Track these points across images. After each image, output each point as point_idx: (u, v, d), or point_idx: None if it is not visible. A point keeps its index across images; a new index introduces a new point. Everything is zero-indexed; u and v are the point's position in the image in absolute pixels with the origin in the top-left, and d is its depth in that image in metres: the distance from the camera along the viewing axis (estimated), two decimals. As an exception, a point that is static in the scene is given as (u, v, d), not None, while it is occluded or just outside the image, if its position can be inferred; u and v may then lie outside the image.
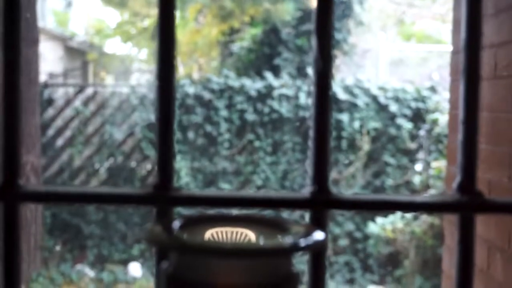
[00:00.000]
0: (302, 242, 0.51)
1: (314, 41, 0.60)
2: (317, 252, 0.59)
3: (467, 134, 0.61)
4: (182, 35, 14.75)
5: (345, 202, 0.60)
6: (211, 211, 0.62)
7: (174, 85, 0.61)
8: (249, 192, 0.60)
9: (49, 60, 12.38)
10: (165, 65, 0.61)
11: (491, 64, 2.22)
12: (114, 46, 16.93)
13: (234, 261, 0.51)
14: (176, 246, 0.51)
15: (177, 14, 14.33)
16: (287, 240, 0.52)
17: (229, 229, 0.57)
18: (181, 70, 15.02)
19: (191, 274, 0.52)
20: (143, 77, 15.84)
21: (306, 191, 0.60)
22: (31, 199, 0.62)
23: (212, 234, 0.56)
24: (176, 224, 0.55)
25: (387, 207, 0.62)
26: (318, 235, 0.52)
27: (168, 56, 0.61)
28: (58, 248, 7.26)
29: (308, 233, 0.53)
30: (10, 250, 0.61)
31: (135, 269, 7.09)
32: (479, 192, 0.61)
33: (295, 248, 0.51)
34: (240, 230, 0.56)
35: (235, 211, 0.61)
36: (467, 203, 0.60)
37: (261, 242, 0.54)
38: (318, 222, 0.59)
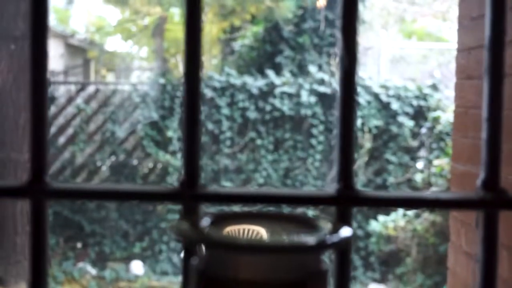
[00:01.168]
0: (331, 239, 0.52)
1: (340, 38, 0.61)
2: (343, 249, 0.59)
3: (491, 131, 0.61)
4: (183, 32, 14.73)
5: (370, 199, 0.60)
6: (236, 208, 0.62)
7: (200, 81, 0.62)
8: (276, 189, 0.60)
9: (49, 57, 12.37)
10: (192, 61, 0.61)
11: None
12: (114, 44, 16.94)
13: (264, 257, 0.51)
14: (209, 242, 0.51)
15: (178, 11, 14.35)
16: (316, 236, 0.52)
17: (256, 226, 0.57)
18: (181, 68, 15.02)
19: (221, 270, 0.52)
20: (143, 75, 15.84)
21: (332, 188, 0.60)
22: (58, 196, 0.62)
23: (240, 230, 0.56)
24: (206, 220, 0.55)
25: (411, 204, 0.63)
26: (346, 232, 0.53)
27: (195, 52, 0.61)
28: (60, 245, 7.26)
29: (335, 230, 0.54)
30: (38, 244, 0.62)
31: (137, 267, 7.09)
32: (503, 189, 0.61)
33: (325, 244, 0.51)
34: (268, 227, 0.57)
35: (261, 209, 0.62)
36: (491, 200, 0.60)
37: (291, 239, 0.54)
38: (344, 219, 0.60)
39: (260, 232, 0.58)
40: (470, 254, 2.39)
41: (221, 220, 0.57)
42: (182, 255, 0.62)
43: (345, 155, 0.61)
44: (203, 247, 0.53)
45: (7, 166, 6.48)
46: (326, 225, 0.55)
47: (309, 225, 0.55)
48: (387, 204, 0.61)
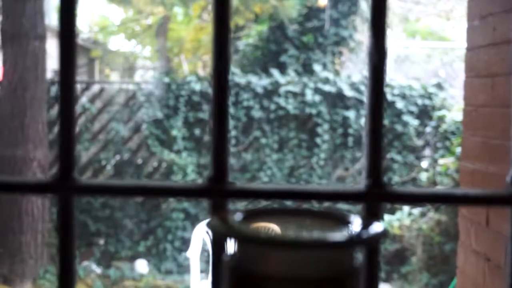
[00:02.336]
0: (365, 234, 0.52)
1: (369, 35, 0.60)
2: (373, 246, 0.59)
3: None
4: (186, 32, 14.75)
5: (400, 196, 0.60)
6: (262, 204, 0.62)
7: (228, 79, 0.62)
8: (305, 185, 0.60)
9: (52, 57, 12.41)
10: (221, 59, 0.61)
11: None
12: (118, 43, 16.94)
13: (299, 254, 0.51)
14: (244, 238, 0.51)
15: (181, 11, 14.35)
16: (348, 232, 0.52)
17: (288, 222, 0.57)
18: (185, 67, 15.02)
19: (255, 267, 0.52)
20: (147, 74, 15.86)
21: (361, 184, 0.60)
22: (86, 192, 0.62)
23: (265, 227, 0.56)
24: (239, 216, 0.55)
25: (440, 200, 0.63)
26: (378, 227, 0.53)
27: (224, 50, 0.61)
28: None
29: (367, 226, 0.54)
30: (65, 240, 0.62)
31: (141, 265, 7.10)
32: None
33: (359, 240, 0.51)
34: (299, 223, 0.57)
35: (290, 205, 0.62)
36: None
37: (324, 235, 0.54)
38: (373, 216, 0.60)
39: (307, 227, 0.58)
40: (480, 253, 2.38)
41: (252, 216, 0.56)
42: (211, 252, 0.62)
43: (374, 151, 0.61)
44: (237, 243, 0.53)
45: (13, 163, 6.49)
46: (357, 221, 0.55)
47: (339, 221, 0.55)
48: (416, 200, 0.61)
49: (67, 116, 0.62)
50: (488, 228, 2.28)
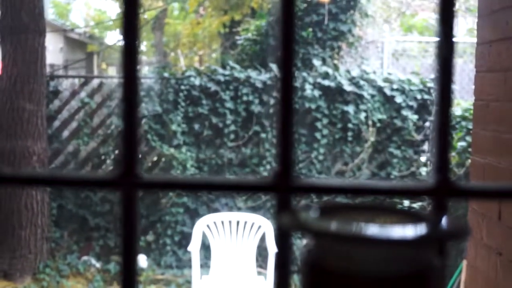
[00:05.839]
0: (447, 231, 0.51)
1: (438, 29, 0.60)
2: (456, 242, 0.59)
3: None
4: (183, 26, 14.73)
5: (467, 191, 0.60)
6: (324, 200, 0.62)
7: (295, 74, 0.61)
8: (371, 181, 0.60)
9: (49, 51, 12.37)
10: (287, 54, 0.60)
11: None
12: (114, 38, 16.90)
13: (378, 250, 0.51)
14: (324, 234, 0.51)
15: (177, 5, 14.31)
16: (429, 229, 0.52)
17: (362, 218, 0.57)
18: (182, 62, 14.99)
19: (332, 263, 0.52)
20: (143, 69, 15.82)
21: (429, 180, 0.60)
22: (148, 187, 0.62)
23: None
24: (315, 212, 0.54)
25: (504, 196, 0.62)
26: (461, 224, 0.52)
27: (289, 47, 0.60)
28: (64, 239, 7.26)
29: (442, 222, 0.53)
30: (129, 234, 0.62)
31: (141, 260, 7.09)
32: None
33: (440, 237, 0.51)
34: (373, 218, 0.56)
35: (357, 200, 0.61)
36: None
37: (402, 231, 0.53)
38: (441, 211, 0.59)
39: (383, 223, 0.57)
40: (492, 247, 2.39)
41: (327, 211, 0.56)
42: (276, 248, 0.61)
43: (442, 146, 0.60)
44: (314, 240, 0.52)
45: (12, 157, 6.47)
46: (433, 219, 0.54)
47: (412, 218, 0.55)
48: (484, 196, 0.61)
49: (130, 114, 0.62)
50: (500, 222, 2.28)
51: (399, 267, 0.51)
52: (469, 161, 2.74)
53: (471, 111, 3.44)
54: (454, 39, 0.60)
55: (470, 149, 2.89)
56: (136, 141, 0.61)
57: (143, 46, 16.22)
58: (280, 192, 0.61)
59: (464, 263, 2.99)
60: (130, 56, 0.62)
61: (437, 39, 0.60)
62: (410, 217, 0.55)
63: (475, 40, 2.82)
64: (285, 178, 0.60)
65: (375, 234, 0.52)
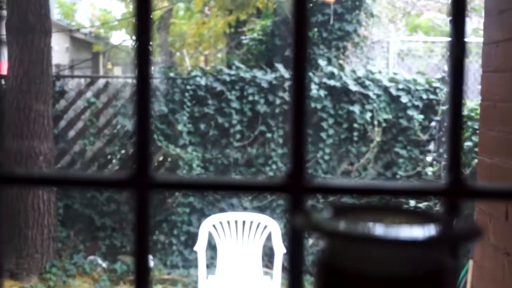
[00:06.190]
0: (461, 232, 0.51)
1: (450, 29, 0.60)
2: (469, 243, 0.59)
3: None
4: (188, 26, 14.74)
5: (480, 192, 0.60)
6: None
7: (306, 75, 0.61)
8: (383, 181, 0.60)
9: (55, 51, 12.40)
10: (299, 61, 0.61)
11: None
12: (119, 38, 16.92)
13: (392, 251, 0.51)
14: (339, 235, 0.51)
15: (182, 6, 14.30)
16: (444, 230, 0.52)
17: (374, 218, 0.57)
18: (187, 62, 14.99)
19: (346, 263, 0.52)
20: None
21: (440, 180, 0.60)
22: (161, 188, 0.62)
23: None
24: (328, 213, 0.54)
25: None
26: (474, 225, 0.52)
27: (302, 53, 0.61)
28: (71, 238, 7.27)
29: (456, 223, 0.53)
30: (142, 234, 0.62)
31: (147, 260, 7.09)
32: None
33: (455, 237, 0.51)
34: (386, 219, 0.56)
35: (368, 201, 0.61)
36: None
37: (416, 232, 0.53)
38: (453, 212, 0.60)
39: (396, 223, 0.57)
40: (499, 247, 2.38)
41: (340, 212, 0.56)
42: (289, 249, 0.62)
43: (454, 147, 0.60)
44: (327, 240, 0.53)
45: (19, 157, 6.49)
46: (445, 219, 0.54)
47: (426, 219, 0.55)
48: (498, 197, 0.61)
49: (143, 115, 0.62)
50: (507, 222, 2.28)
51: (412, 268, 0.51)
52: (475, 161, 2.74)
53: (477, 111, 3.44)
54: (466, 39, 0.60)
55: (476, 149, 2.88)
56: (149, 141, 0.62)
57: (149, 46, 16.24)
58: (293, 193, 0.61)
59: (470, 263, 2.99)
60: (142, 57, 0.62)
61: (449, 39, 0.60)
62: (422, 217, 0.55)
63: (480, 40, 2.82)
64: (297, 178, 0.61)
65: (389, 235, 0.52)
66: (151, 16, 0.63)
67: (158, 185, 0.62)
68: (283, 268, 5.82)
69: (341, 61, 7.95)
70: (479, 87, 2.64)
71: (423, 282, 0.51)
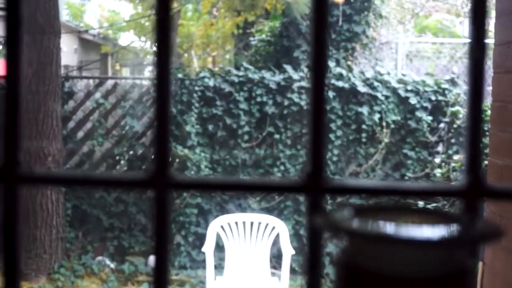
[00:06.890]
0: (482, 233, 0.51)
1: (469, 31, 0.60)
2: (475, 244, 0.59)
3: None
4: (196, 28, 14.76)
5: (499, 192, 0.60)
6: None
7: (325, 76, 0.61)
8: (402, 182, 0.60)
9: (63, 52, 12.45)
10: (318, 62, 0.61)
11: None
12: (128, 39, 16.95)
13: (413, 251, 0.51)
14: (360, 235, 0.51)
15: (191, 7, 14.31)
16: (465, 231, 0.52)
17: (393, 219, 0.57)
18: (195, 63, 15.01)
19: (365, 263, 0.52)
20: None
21: (460, 181, 0.60)
22: (181, 187, 0.62)
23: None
24: (348, 212, 0.55)
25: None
26: (494, 226, 0.52)
27: (321, 55, 0.61)
28: (79, 239, 7.29)
29: (476, 224, 0.53)
30: (161, 233, 0.63)
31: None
32: None
33: (477, 238, 0.51)
34: (405, 219, 0.56)
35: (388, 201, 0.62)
36: None
37: (436, 232, 0.53)
38: (473, 213, 0.60)
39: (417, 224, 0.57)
40: (510, 249, 2.38)
41: (361, 212, 0.56)
42: (308, 248, 0.62)
43: (473, 148, 0.60)
44: (347, 239, 0.53)
45: (28, 158, 6.51)
46: (464, 220, 0.54)
47: (446, 219, 0.55)
48: (515, 197, 0.61)
49: (162, 116, 0.62)
50: None
51: (432, 268, 0.51)
52: (486, 162, 2.73)
53: (487, 112, 3.42)
54: (486, 41, 0.60)
55: (486, 150, 2.88)
56: (169, 141, 0.62)
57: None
58: (312, 193, 0.61)
59: (480, 264, 2.98)
60: (163, 57, 0.62)
61: (469, 40, 0.60)
62: (440, 218, 0.55)
63: (490, 41, 2.81)
64: (317, 178, 0.61)
65: (410, 235, 0.52)
66: (170, 18, 0.63)
67: (177, 184, 0.62)
68: (291, 269, 5.82)
69: (349, 62, 7.95)
70: (489, 88, 2.64)
71: (444, 282, 0.52)
